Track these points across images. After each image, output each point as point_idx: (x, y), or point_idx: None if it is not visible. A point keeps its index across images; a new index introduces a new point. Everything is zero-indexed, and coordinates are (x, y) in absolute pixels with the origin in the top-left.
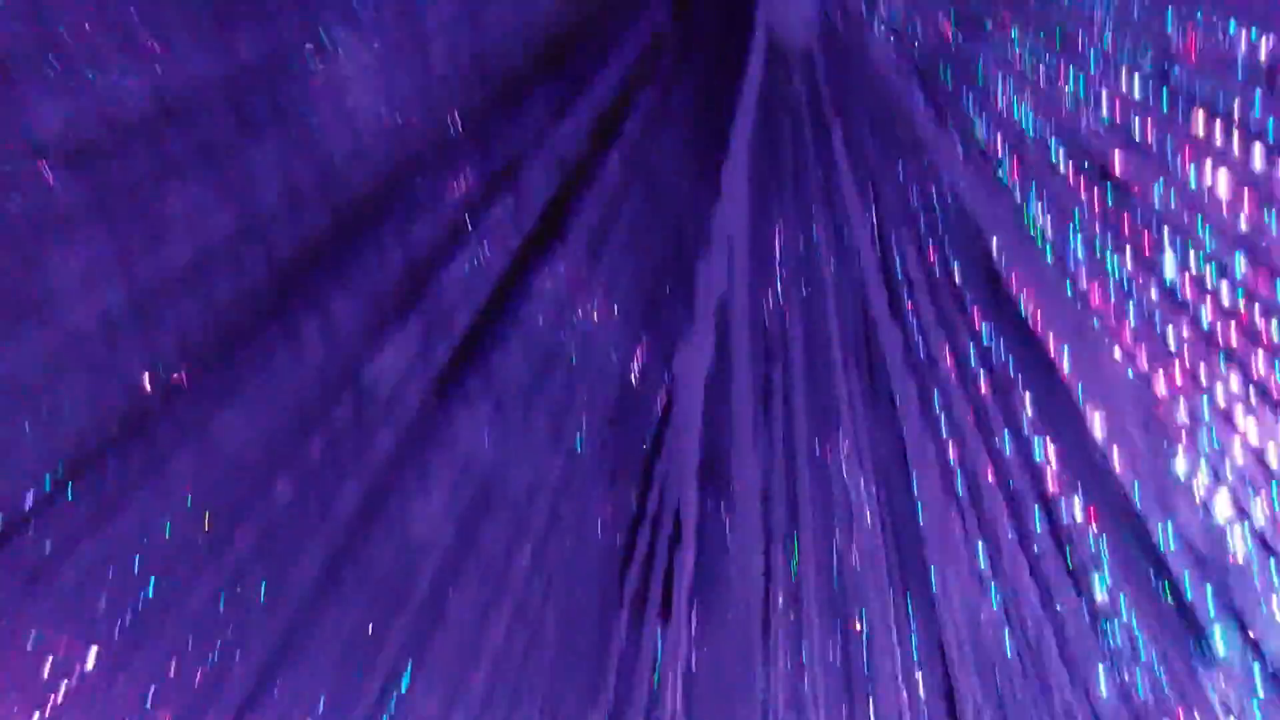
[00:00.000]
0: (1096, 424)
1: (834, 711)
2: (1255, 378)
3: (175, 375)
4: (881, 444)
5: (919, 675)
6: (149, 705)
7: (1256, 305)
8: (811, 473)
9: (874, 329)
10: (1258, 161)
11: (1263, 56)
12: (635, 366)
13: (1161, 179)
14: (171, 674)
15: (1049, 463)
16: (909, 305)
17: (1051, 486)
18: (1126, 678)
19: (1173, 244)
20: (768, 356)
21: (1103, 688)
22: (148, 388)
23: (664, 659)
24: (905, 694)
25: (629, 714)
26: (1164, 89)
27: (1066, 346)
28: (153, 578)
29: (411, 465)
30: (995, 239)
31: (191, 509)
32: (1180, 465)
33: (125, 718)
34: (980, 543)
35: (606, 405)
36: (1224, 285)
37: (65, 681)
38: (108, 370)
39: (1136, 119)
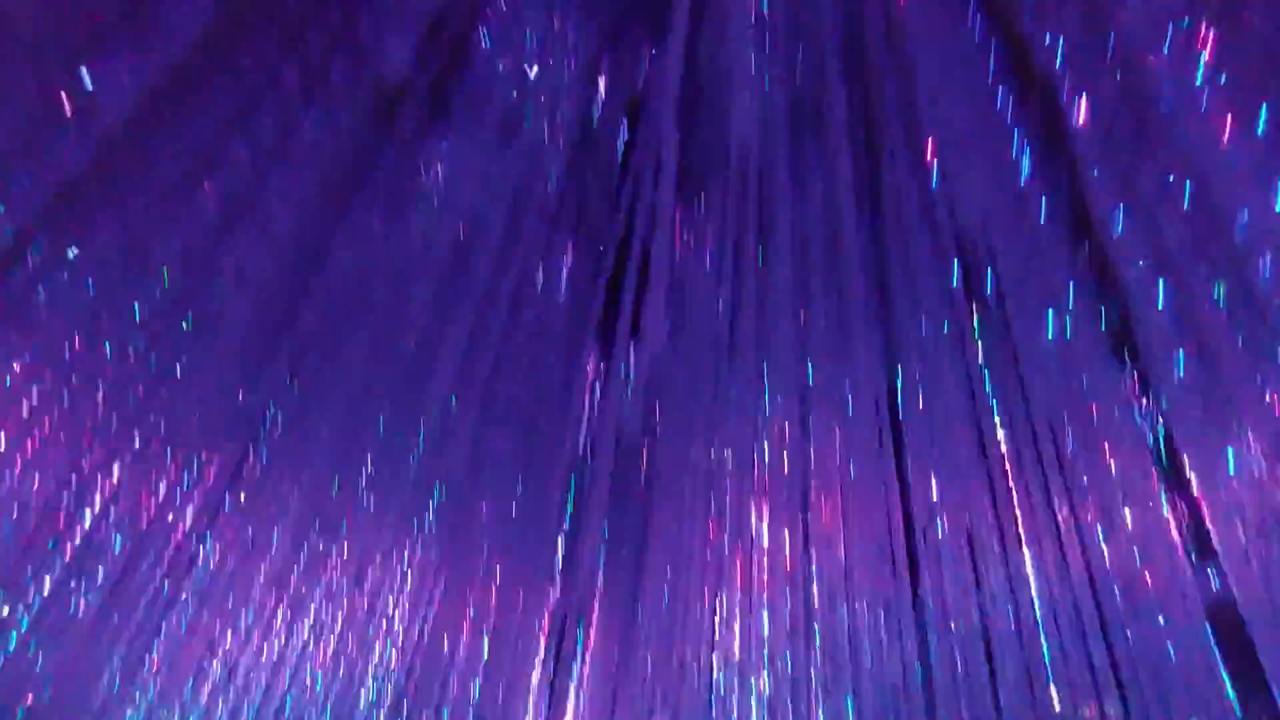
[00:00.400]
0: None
1: (788, 423)
2: None
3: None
4: (862, 176)
5: (874, 403)
6: None
7: None
8: (793, 201)
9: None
10: None
11: None
12: (602, 82)
13: None
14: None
15: None
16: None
17: None
18: None
19: None
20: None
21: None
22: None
23: (634, 376)
24: (851, 405)
25: (601, 428)
26: None
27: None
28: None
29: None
30: None
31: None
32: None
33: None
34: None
35: (572, 124)
36: None
37: None
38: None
39: None
